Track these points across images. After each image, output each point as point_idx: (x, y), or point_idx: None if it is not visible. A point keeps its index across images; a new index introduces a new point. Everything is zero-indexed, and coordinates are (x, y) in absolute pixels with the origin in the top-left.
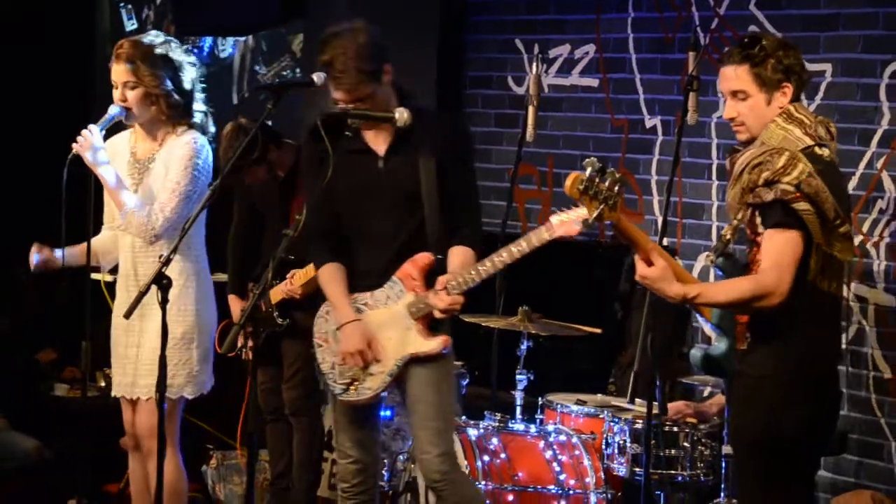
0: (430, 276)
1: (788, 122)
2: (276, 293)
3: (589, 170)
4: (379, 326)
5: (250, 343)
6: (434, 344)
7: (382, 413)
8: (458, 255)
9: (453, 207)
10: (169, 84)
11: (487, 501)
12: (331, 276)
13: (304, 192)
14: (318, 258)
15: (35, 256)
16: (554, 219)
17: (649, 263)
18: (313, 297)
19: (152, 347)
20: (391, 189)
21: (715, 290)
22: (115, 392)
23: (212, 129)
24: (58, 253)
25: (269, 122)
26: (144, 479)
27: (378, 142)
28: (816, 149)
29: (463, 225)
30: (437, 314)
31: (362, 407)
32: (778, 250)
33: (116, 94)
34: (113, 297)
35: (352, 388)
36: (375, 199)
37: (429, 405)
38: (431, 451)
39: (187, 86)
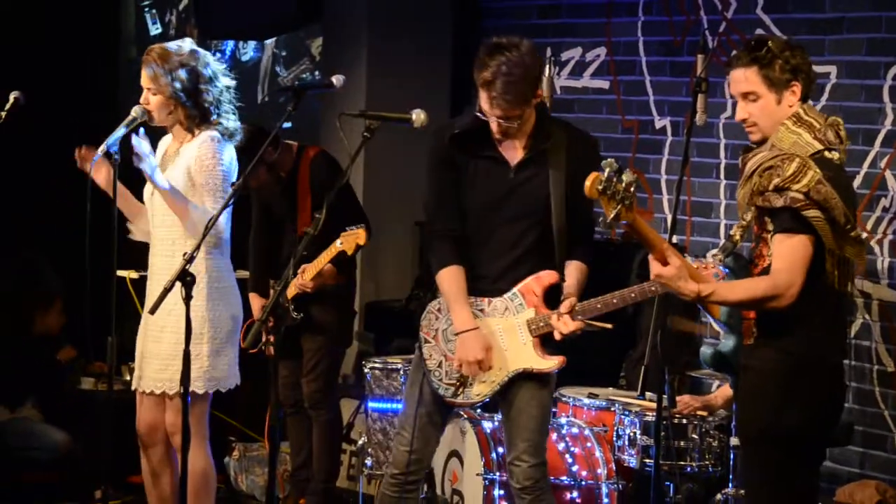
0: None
1: (798, 126)
2: (290, 288)
3: (607, 171)
4: (493, 335)
5: (271, 338)
6: (552, 364)
7: (399, 406)
8: (575, 271)
9: (575, 222)
10: (183, 95)
11: (502, 492)
12: (452, 278)
13: (304, 192)
14: (442, 259)
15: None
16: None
17: (664, 263)
18: (327, 290)
19: (171, 343)
20: (520, 199)
21: (728, 289)
22: (134, 385)
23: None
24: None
25: (289, 124)
26: (151, 474)
27: (512, 152)
28: (826, 153)
29: (582, 241)
30: (558, 336)
31: (448, 407)
32: (789, 254)
33: (143, 97)
34: (139, 294)
35: (459, 390)
36: (503, 208)
37: (531, 418)
38: (529, 461)
39: (210, 95)
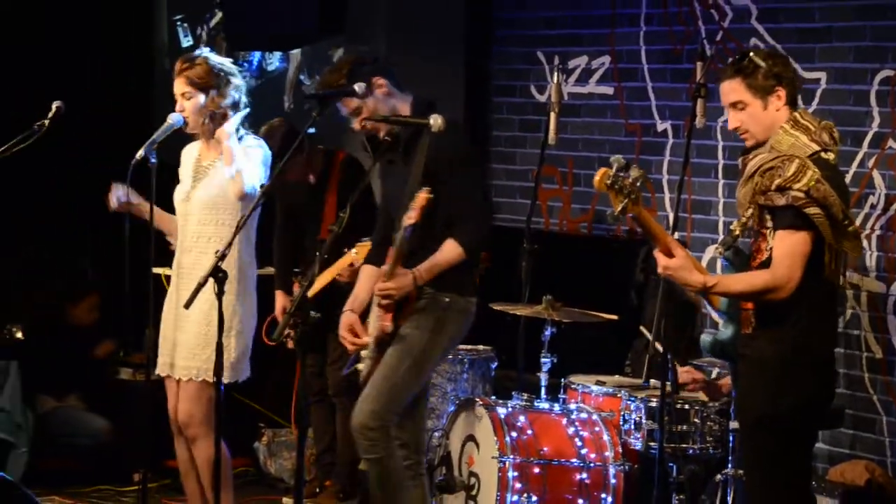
0: None
1: (795, 129)
2: (321, 280)
3: (615, 166)
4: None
5: (292, 332)
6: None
7: None
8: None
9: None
10: (218, 93)
11: (516, 473)
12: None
13: (332, 194)
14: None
15: (118, 194)
16: None
17: (669, 256)
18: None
19: (194, 333)
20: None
21: (731, 280)
22: (158, 370)
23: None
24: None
25: (314, 130)
26: (188, 460)
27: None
28: (822, 154)
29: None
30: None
31: None
32: (790, 250)
33: (177, 105)
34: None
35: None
36: (404, 199)
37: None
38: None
39: (233, 100)
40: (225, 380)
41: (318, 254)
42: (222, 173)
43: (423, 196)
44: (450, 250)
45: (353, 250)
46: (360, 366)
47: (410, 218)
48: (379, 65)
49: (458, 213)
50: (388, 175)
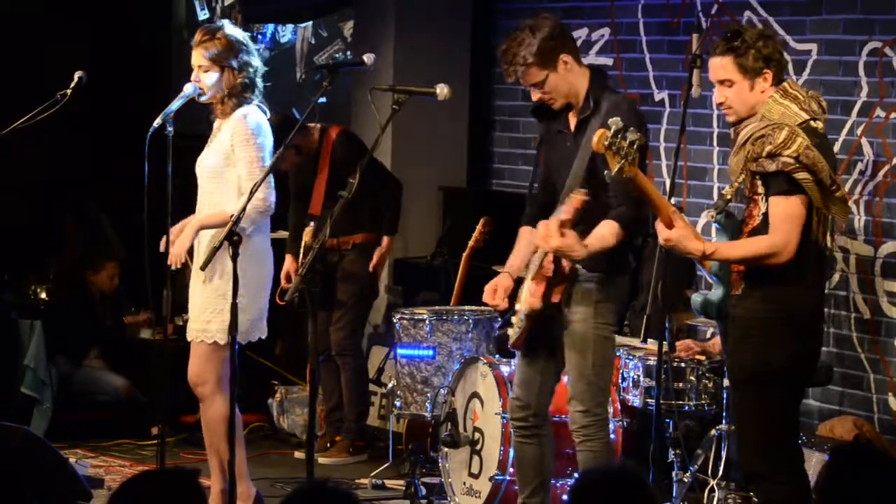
0: None
1: (784, 98)
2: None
3: (613, 128)
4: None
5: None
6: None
7: (425, 353)
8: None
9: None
10: (230, 74)
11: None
12: (520, 236)
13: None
14: (523, 219)
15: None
16: None
17: (670, 227)
18: (358, 246)
19: (205, 296)
20: (577, 165)
21: (730, 247)
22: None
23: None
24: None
25: (324, 99)
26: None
27: (571, 122)
28: (811, 122)
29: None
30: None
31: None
32: (785, 214)
33: (193, 75)
34: (192, 256)
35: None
36: (567, 173)
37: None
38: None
39: (250, 70)
40: (221, 341)
41: (329, 218)
42: (222, 140)
43: (578, 198)
44: (611, 230)
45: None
46: (510, 331)
47: (566, 213)
48: (566, 39)
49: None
50: (555, 144)
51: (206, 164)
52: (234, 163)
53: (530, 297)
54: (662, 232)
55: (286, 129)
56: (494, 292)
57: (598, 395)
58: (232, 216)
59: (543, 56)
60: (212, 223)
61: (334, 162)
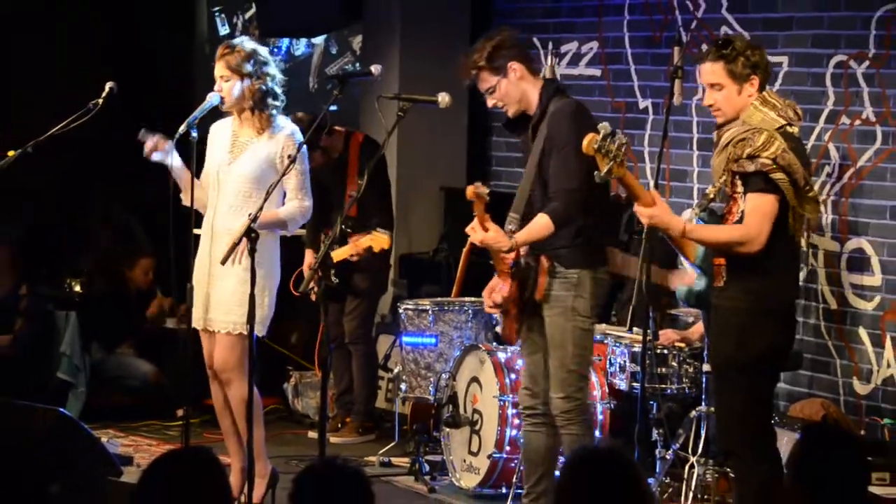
0: None
1: (764, 105)
2: (339, 254)
3: (602, 132)
4: None
5: (315, 286)
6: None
7: (428, 340)
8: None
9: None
10: (252, 85)
11: (514, 411)
12: None
13: (353, 170)
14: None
15: (149, 140)
16: None
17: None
18: (369, 259)
19: (231, 290)
20: (528, 165)
21: (707, 229)
22: (194, 323)
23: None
24: (174, 160)
25: (335, 107)
26: (223, 401)
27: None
28: (788, 127)
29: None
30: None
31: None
32: (760, 210)
33: (216, 85)
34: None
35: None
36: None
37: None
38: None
39: (270, 82)
40: (257, 333)
41: (339, 216)
42: (263, 151)
43: (471, 189)
44: (541, 223)
45: (371, 235)
46: (498, 328)
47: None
48: (518, 49)
49: (552, 190)
50: (527, 152)
51: (241, 171)
52: (279, 171)
53: (495, 293)
54: (645, 212)
55: (316, 129)
56: (490, 295)
57: (577, 381)
58: (250, 214)
59: (493, 62)
60: (270, 221)
61: (362, 164)
